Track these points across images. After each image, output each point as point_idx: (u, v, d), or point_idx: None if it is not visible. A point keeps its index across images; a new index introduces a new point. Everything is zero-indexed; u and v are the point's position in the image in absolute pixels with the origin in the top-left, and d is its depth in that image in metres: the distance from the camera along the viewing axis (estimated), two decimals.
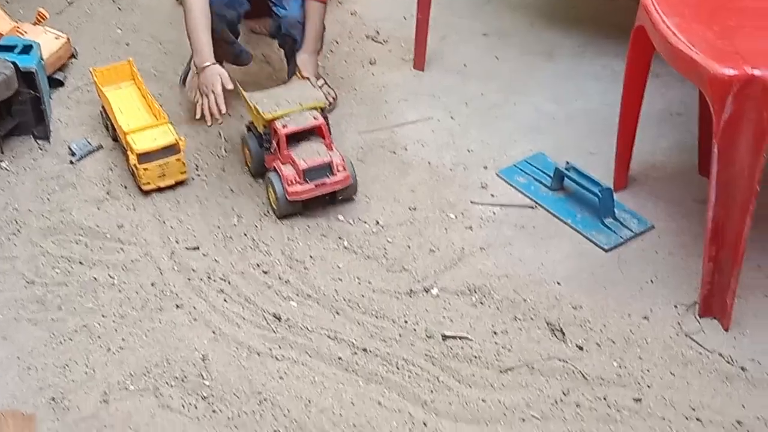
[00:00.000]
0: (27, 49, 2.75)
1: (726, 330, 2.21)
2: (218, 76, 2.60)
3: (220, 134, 2.81)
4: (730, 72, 1.96)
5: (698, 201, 2.48)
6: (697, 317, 2.24)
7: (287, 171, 2.48)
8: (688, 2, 2.21)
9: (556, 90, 2.95)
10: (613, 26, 3.13)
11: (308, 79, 2.67)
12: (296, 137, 2.51)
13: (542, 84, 2.97)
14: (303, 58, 2.75)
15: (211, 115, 2.61)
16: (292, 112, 2.52)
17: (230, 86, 2.59)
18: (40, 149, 2.77)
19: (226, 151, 2.76)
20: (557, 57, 3.09)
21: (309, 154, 2.49)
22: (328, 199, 2.54)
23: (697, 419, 2.03)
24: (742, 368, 2.13)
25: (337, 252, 2.44)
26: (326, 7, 2.77)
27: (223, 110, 2.59)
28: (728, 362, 2.14)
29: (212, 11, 2.68)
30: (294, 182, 2.46)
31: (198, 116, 2.64)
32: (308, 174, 2.47)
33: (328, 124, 2.56)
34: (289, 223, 2.51)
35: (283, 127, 2.49)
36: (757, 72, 1.94)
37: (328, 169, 2.48)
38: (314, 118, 2.52)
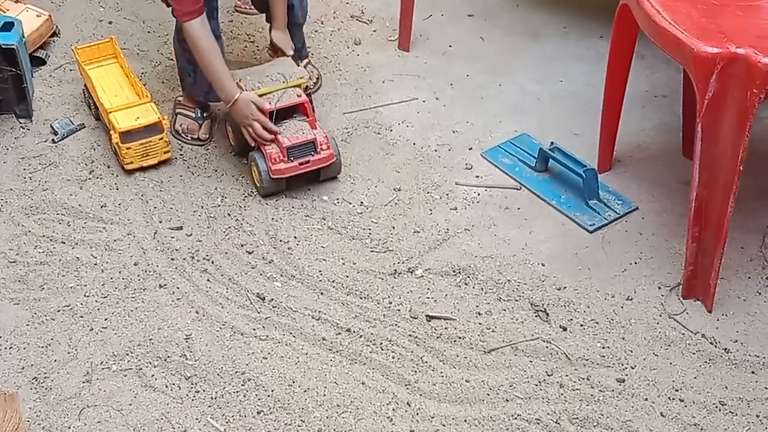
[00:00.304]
0: (8, 26, 2.72)
1: (709, 311, 2.21)
2: (251, 103, 2.45)
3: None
4: (714, 50, 1.96)
5: (682, 182, 2.49)
6: (681, 298, 2.25)
7: (271, 149, 2.47)
8: None
9: (540, 71, 2.95)
10: (597, 7, 3.12)
11: (290, 57, 2.64)
12: (280, 115, 2.49)
13: (527, 65, 2.97)
14: (279, 36, 2.68)
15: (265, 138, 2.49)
16: (276, 89, 2.50)
17: (267, 106, 2.46)
18: (22, 128, 2.75)
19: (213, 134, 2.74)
20: (542, 38, 3.08)
21: (293, 131, 2.48)
22: (312, 177, 2.52)
23: (680, 400, 2.04)
24: (725, 349, 2.14)
25: (321, 232, 2.43)
26: None
27: (275, 131, 2.46)
28: (711, 343, 2.15)
29: None
30: (278, 160, 2.45)
31: (253, 144, 2.50)
32: (292, 152, 2.46)
33: (311, 102, 2.54)
34: (273, 204, 2.50)
35: (268, 104, 2.47)
36: (740, 50, 1.94)
37: (312, 147, 2.47)
38: (297, 95, 2.50)
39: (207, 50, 2.47)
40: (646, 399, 2.05)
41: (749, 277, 2.29)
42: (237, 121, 2.50)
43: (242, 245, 2.40)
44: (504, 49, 3.01)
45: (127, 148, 2.55)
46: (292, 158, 2.46)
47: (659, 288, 2.28)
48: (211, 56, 2.48)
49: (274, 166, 2.45)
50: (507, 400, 2.04)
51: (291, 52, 2.65)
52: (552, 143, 2.58)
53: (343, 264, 2.35)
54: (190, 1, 2.46)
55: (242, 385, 2.08)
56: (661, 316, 2.21)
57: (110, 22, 3.14)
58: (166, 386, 2.08)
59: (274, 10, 2.68)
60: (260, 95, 2.48)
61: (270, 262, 2.36)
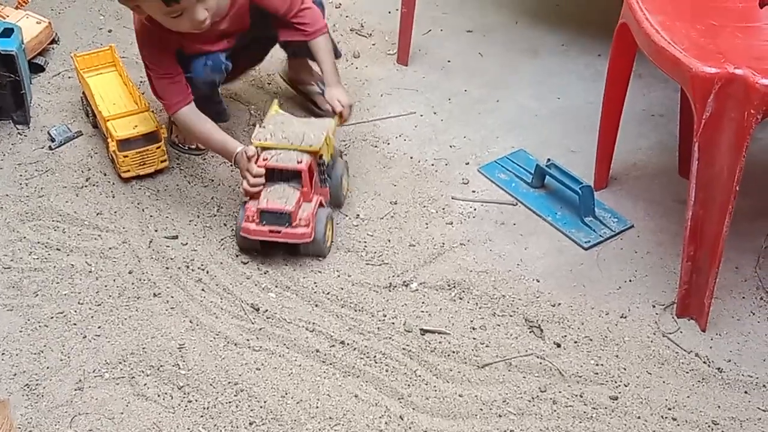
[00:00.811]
0: (7, 32, 2.72)
1: (703, 330, 2.21)
2: (243, 154, 2.38)
3: None
4: (712, 70, 1.97)
5: (678, 201, 2.49)
6: (675, 317, 2.25)
7: (251, 204, 2.35)
8: (671, 0, 2.22)
9: (539, 87, 2.96)
10: (597, 25, 3.13)
11: (338, 115, 2.50)
12: (281, 176, 2.36)
13: (525, 81, 2.98)
14: (331, 92, 2.53)
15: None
16: (281, 147, 2.37)
17: (252, 153, 2.37)
18: (19, 134, 2.75)
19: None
20: (541, 55, 3.10)
21: (276, 196, 2.34)
22: (291, 249, 2.38)
23: (673, 418, 2.04)
24: (719, 369, 2.14)
25: None
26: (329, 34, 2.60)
27: (256, 189, 2.35)
28: (705, 363, 2.15)
29: (198, 80, 2.48)
30: (251, 219, 2.33)
31: (246, 199, 2.41)
32: (264, 216, 2.32)
33: (323, 173, 2.40)
34: None
35: (264, 160, 2.37)
36: (738, 71, 1.95)
37: (286, 218, 2.30)
38: (298, 161, 2.34)
39: (201, 131, 2.47)
40: (639, 417, 2.04)
41: (743, 297, 2.30)
42: (240, 168, 2.42)
43: (237, 255, 2.40)
44: (502, 65, 3.02)
45: (125, 156, 2.55)
46: (264, 222, 2.33)
47: (653, 306, 2.28)
48: (207, 134, 2.47)
49: (245, 223, 2.34)
50: (500, 416, 2.04)
51: (340, 110, 2.50)
52: (549, 160, 2.58)
53: (338, 276, 2.35)
54: (177, 91, 2.45)
55: (235, 395, 2.07)
56: (655, 334, 2.21)
57: (110, 31, 3.14)
58: (159, 395, 2.07)
59: (321, 63, 2.57)
60: (264, 148, 2.37)
61: (265, 273, 2.36)
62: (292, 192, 2.34)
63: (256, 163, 2.35)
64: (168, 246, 2.42)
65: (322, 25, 2.57)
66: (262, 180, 2.35)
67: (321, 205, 2.39)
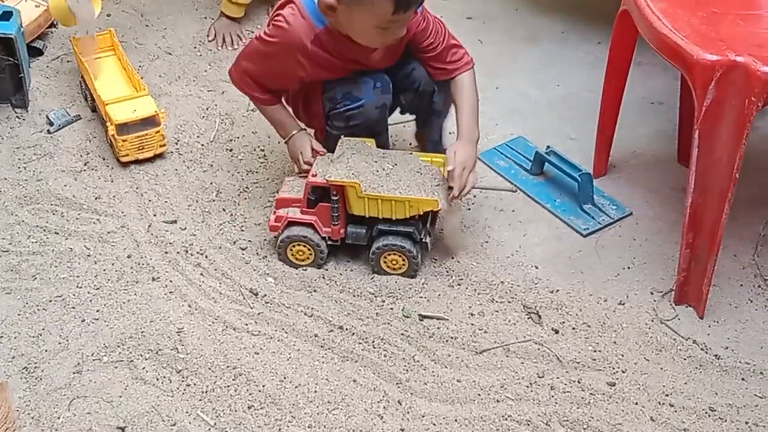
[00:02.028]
0: (6, 15, 2.70)
1: (701, 318, 2.22)
2: (308, 139, 2.35)
3: (205, 111, 2.80)
4: (714, 57, 1.97)
5: (676, 189, 2.49)
6: (673, 304, 2.25)
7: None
8: None
9: (538, 75, 2.95)
10: (596, 13, 3.13)
11: (449, 173, 2.24)
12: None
13: (525, 68, 2.97)
14: (457, 147, 2.27)
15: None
16: (388, 198, 2.21)
17: (321, 149, 2.34)
18: (18, 118, 2.74)
19: (207, 128, 2.74)
20: (541, 42, 3.09)
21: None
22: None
23: (670, 404, 2.05)
24: (716, 356, 2.14)
25: None
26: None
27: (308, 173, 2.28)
28: (702, 349, 2.16)
29: (369, 105, 2.31)
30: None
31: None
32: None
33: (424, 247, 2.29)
34: (268, 201, 2.50)
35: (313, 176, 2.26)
36: (739, 58, 1.95)
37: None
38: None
39: (266, 108, 2.42)
40: (636, 403, 2.05)
41: (741, 285, 2.30)
42: (290, 153, 2.41)
43: (236, 241, 2.40)
44: (502, 53, 3.02)
45: (123, 141, 2.55)
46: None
47: (651, 293, 2.28)
48: (269, 108, 2.41)
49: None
50: (498, 401, 2.05)
51: (450, 168, 2.24)
52: (548, 147, 2.58)
53: (337, 261, 2.35)
54: (259, 91, 2.37)
55: (233, 379, 2.08)
56: (653, 321, 2.22)
57: (108, 15, 3.13)
58: (157, 379, 2.07)
59: (459, 109, 2.36)
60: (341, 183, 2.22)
61: (264, 258, 2.36)
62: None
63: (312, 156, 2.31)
64: (167, 230, 2.42)
65: (467, 60, 2.40)
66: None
67: None
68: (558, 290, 2.29)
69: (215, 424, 1.99)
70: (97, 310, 2.22)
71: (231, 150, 2.67)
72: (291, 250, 2.31)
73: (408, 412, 2.02)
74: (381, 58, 2.34)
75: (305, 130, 2.41)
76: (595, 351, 2.15)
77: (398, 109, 2.49)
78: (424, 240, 2.28)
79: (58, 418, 1.99)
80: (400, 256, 2.27)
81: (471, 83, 2.38)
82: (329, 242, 2.31)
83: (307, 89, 2.38)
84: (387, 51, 2.33)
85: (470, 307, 2.25)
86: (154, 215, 2.46)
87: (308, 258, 2.32)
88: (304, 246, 2.30)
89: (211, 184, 2.56)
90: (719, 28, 2.07)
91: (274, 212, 2.33)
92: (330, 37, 2.25)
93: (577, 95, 2.86)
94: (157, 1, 3.24)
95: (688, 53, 2.00)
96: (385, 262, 2.29)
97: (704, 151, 2.05)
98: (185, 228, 2.43)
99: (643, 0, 2.15)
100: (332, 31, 2.24)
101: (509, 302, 2.26)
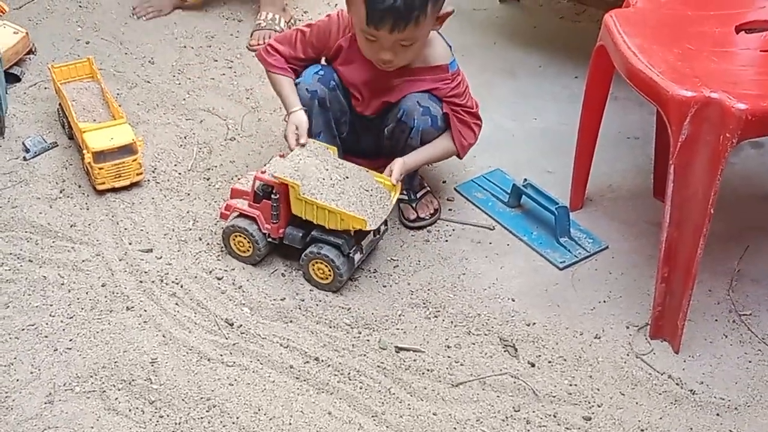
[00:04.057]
0: None
1: (676, 352, 2.22)
2: (293, 124, 2.40)
3: (183, 139, 2.79)
4: (689, 93, 1.99)
5: (652, 223, 2.51)
6: (648, 338, 2.26)
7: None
8: (649, 24, 2.24)
9: (515, 108, 2.97)
10: (573, 48, 3.16)
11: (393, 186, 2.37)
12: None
13: (502, 101, 2.99)
14: (399, 163, 2.41)
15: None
16: (322, 207, 2.26)
17: (303, 140, 2.37)
18: None
19: (185, 157, 2.74)
20: (518, 76, 3.12)
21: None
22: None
23: None
24: (691, 391, 2.15)
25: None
26: (458, 156, 2.53)
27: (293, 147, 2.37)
28: (677, 384, 2.16)
29: (302, 85, 2.46)
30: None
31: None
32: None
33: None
34: None
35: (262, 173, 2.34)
36: (714, 95, 1.97)
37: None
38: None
39: (277, 80, 2.49)
40: None
41: (716, 320, 2.31)
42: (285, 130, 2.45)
43: (212, 270, 2.39)
44: (480, 85, 3.02)
45: (100, 168, 2.53)
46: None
47: (627, 327, 2.29)
48: (277, 81, 2.49)
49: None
50: None
51: (393, 182, 2.38)
52: (525, 180, 2.59)
53: (313, 292, 2.34)
54: (273, 60, 2.48)
55: (207, 411, 2.06)
56: (628, 355, 2.22)
57: (87, 42, 3.13)
58: (130, 410, 2.05)
59: (424, 148, 2.48)
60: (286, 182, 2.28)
61: (240, 288, 2.34)
62: None
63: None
64: (142, 259, 2.41)
65: (465, 144, 2.51)
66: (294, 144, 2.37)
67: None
68: (534, 323, 2.29)
69: None
70: (70, 340, 2.19)
71: (208, 179, 2.66)
72: (233, 239, 2.39)
73: None
74: (395, 86, 2.44)
75: (303, 109, 2.43)
76: (570, 385, 2.15)
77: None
78: (352, 255, 2.30)
79: None
80: (326, 266, 2.30)
81: (447, 148, 2.51)
82: (269, 240, 2.36)
83: None
84: (400, 86, 2.44)
85: (447, 339, 2.24)
86: (130, 244, 2.45)
87: (248, 250, 2.38)
88: (244, 238, 2.36)
89: (187, 212, 2.55)
90: (694, 65, 2.09)
91: (227, 201, 2.41)
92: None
93: (554, 129, 2.88)
94: (136, 29, 3.24)
95: (664, 89, 2.02)
96: (313, 270, 2.33)
97: (679, 186, 2.07)
98: (161, 257, 2.42)
99: (620, 36, 2.17)
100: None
101: (486, 335, 2.26)
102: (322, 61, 2.53)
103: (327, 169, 2.32)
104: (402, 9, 2.24)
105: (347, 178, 2.32)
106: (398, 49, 2.33)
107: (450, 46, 2.49)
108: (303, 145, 2.37)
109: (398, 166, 2.42)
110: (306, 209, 2.28)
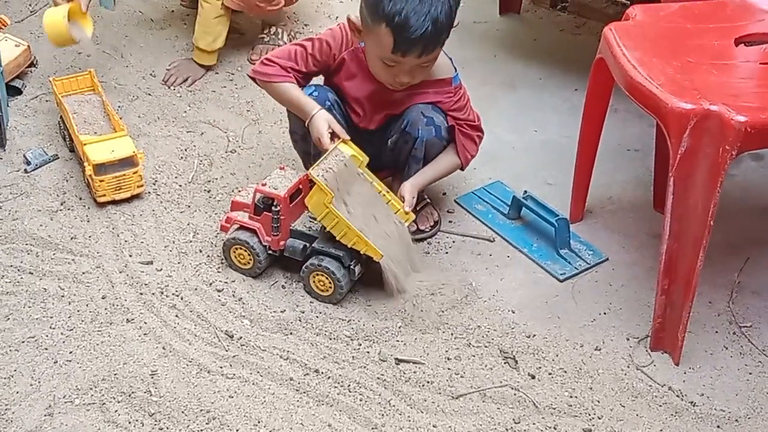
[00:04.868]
0: None
1: (676, 364, 2.22)
2: (325, 121, 2.34)
3: (183, 152, 2.80)
4: (688, 106, 1.99)
5: (652, 235, 2.51)
6: (649, 350, 2.25)
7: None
8: (649, 37, 2.25)
9: (516, 120, 2.98)
10: (573, 60, 3.17)
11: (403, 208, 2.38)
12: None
13: (503, 114, 3.00)
14: (405, 187, 2.43)
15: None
16: (337, 226, 2.27)
17: (345, 136, 2.34)
18: None
19: (186, 169, 2.74)
20: (518, 88, 3.12)
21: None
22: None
23: None
24: (692, 403, 2.14)
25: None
26: (461, 169, 2.55)
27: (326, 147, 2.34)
28: (678, 396, 2.16)
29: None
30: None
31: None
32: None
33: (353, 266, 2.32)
34: None
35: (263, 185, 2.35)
36: (714, 107, 1.97)
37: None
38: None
39: (282, 89, 2.42)
40: None
41: (716, 332, 2.31)
42: (311, 134, 2.39)
43: (212, 282, 2.39)
44: (480, 98, 3.03)
45: (101, 181, 2.54)
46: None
47: (627, 339, 2.28)
48: (283, 90, 2.42)
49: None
50: None
51: (407, 209, 2.39)
52: (525, 192, 2.60)
53: (313, 303, 2.34)
54: (272, 69, 2.41)
55: (207, 423, 2.05)
56: (629, 367, 2.22)
57: (89, 55, 3.14)
58: (129, 422, 2.05)
59: (429, 166, 2.50)
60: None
61: (240, 300, 2.34)
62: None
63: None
64: (142, 271, 2.41)
65: (467, 157, 2.52)
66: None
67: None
68: (534, 335, 2.29)
69: None
70: (70, 352, 2.19)
71: (209, 191, 2.67)
72: (234, 252, 2.38)
73: None
74: (396, 99, 2.43)
75: (323, 108, 2.39)
76: (571, 397, 2.15)
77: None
78: (352, 267, 2.31)
79: None
80: (327, 278, 2.30)
81: (452, 163, 2.52)
82: (269, 252, 2.36)
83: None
84: (401, 98, 2.43)
85: (447, 351, 2.24)
86: (130, 256, 2.45)
87: (249, 262, 2.38)
88: (245, 250, 2.36)
89: (188, 225, 2.55)
90: (694, 78, 2.10)
91: (227, 213, 2.41)
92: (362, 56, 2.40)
93: (554, 141, 2.88)
94: (137, 42, 3.25)
95: (663, 102, 2.02)
96: (314, 282, 2.33)
97: (679, 198, 2.07)
98: (161, 269, 2.42)
99: (619, 49, 2.18)
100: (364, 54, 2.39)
101: (486, 347, 2.26)
102: (314, 80, 2.51)
103: (357, 188, 2.33)
104: (433, 35, 2.24)
105: (370, 200, 2.34)
106: (417, 71, 2.33)
107: (451, 59, 2.49)
108: (345, 141, 2.33)
109: (409, 191, 2.41)
110: (326, 217, 2.27)
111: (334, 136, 2.35)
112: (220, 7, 3.00)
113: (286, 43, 3.18)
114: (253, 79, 2.48)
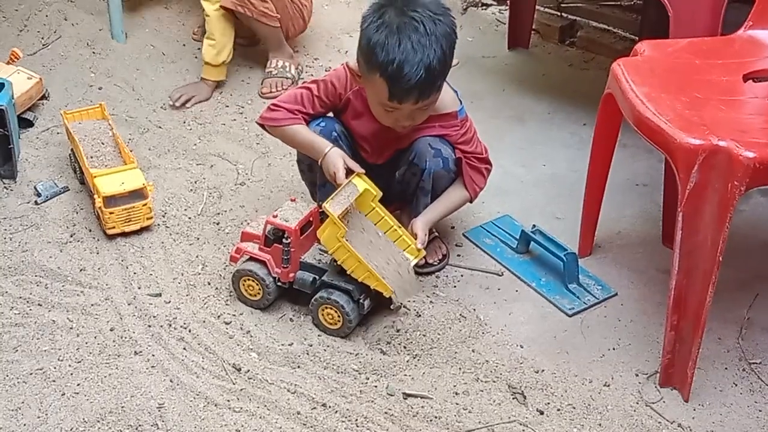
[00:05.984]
0: None
1: (686, 401, 2.21)
2: (339, 157, 2.35)
3: (193, 184, 2.81)
4: (697, 142, 1.99)
5: (661, 270, 2.50)
6: (658, 386, 2.24)
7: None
8: (657, 72, 2.26)
9: (524, 154, 2.99)
10: (582, 95, 3.18)
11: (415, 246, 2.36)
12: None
13: (511, 148, 3.01)
14: (421, 225, 2.43)
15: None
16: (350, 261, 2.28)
17: (360, 170, 2.34)
18: (6, 188, 2.74)
19: (195, 202, 2.75)
20: (527, 122, 3.13)
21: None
22: None
23: None
24: None
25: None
26: (470, 201, 2.55)
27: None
28: None
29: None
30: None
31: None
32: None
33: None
34: None
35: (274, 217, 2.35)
36: (722, 143, 1.97)
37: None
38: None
39: (292, 131, 2.44)
40: None
41: (726, 368, 2.29)
42: (325, 172, 2.39)
43: (220, 315, 2.39)
44: (489, 132, 3.04)
45: (110, 213, 2.55)
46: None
47: (637, 375, 2.27)
48: (293, 132, 2.44)
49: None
50: None
51: (419, 246, 2.38)
52: (534, 226, 2.60)
53: (320, 337, 2.34)
54: (279, 114, 2.43)
55: None
56: (638, 403, 2.20)
57: (100, 88, 3.16)
58: None
59: (439, 200, 2.50)
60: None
61: (247, 333, 2.34)
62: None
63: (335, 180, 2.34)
64: (151, 303, 2.41)
65: (483, 186, 2.53)
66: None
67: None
68: (543, 370, 2.28)
69: None
70: (78, 384, 2.19)
71: (218, 223, 2.68)
72: (243, 283, 2.39)
73: None
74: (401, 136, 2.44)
75: (335, 147, 2.40)
76: None
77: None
78: (362, 301, 2.31)
79: None
80: (335, 311, 2.31)
81: (461, 197, 2.52)
82: (279, 284, 2.36)
83: None
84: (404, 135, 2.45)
85: (455, 386, 2.23)
86: (139, 288, 2.45)
87: (258, 294, 2.39)
88: (254, 282, 2.36)
89: (197, 257, 2.56)
90: (702, 113, 2.10)
91: (237, 244, 2.42)
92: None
93: (562, 175, 2.89)
94: (148, 75, 3.28)
95: (672, 137, 2.03)
96: (322, 315, 2.33)
97: (688, 233, 2.06)
98: (169, 301, 2.42)
99: (627, 84, 2.19)
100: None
101: (494, 381, 2.25)
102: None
103: (366, 228, 2.34)
104: (427, 82, 2.25)
105: (380, 237, 2.34)
106: (417, 114, 2.35)
107: (456, 92, 2.50)
108: (359, 175, 2.34)
109: (421, 228, 2.41)
110: (338, 251, 2.28)
111: (348, 170, 2.36)
112: (221, 14, 3.06)
113: (294, 76, 3.20)
114: (262, 126, 2.49)
